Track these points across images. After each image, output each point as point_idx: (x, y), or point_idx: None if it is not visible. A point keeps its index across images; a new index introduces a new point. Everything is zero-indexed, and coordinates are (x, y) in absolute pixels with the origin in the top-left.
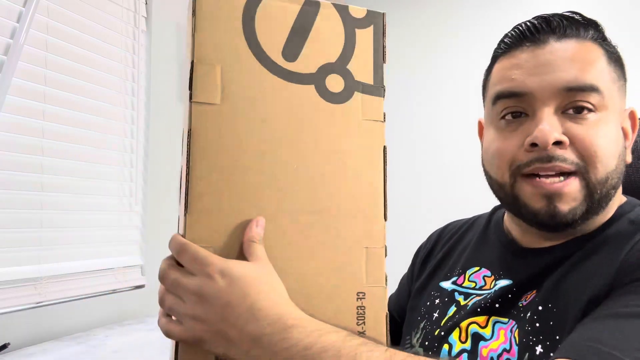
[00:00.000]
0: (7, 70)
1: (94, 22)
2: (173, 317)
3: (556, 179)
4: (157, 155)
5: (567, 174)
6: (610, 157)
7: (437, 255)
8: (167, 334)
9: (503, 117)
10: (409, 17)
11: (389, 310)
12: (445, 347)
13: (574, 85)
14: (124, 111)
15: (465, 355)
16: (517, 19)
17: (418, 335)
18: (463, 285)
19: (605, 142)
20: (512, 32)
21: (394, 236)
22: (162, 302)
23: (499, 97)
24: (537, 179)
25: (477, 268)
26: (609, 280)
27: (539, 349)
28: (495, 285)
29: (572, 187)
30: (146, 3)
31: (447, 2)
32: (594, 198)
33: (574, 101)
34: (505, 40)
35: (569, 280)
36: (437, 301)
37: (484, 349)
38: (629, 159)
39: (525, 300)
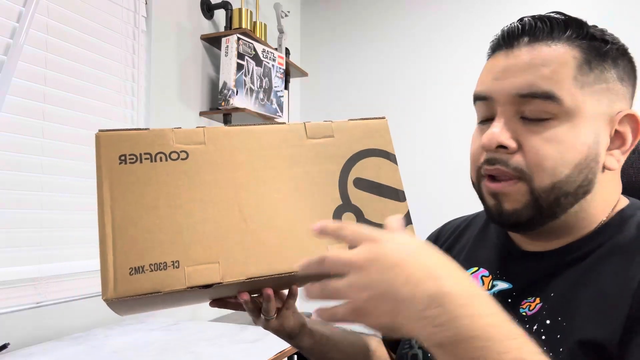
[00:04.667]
0: (7, 70)
1: (94, 22)
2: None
3: (501, 180)
4: None
5: (511, 178)
6: (559, 166)
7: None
8: (331, 318)
9: (480, 120)
10: (411, 18)
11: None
12: None
13: (526, 92)
14: (124, 111)
15: None
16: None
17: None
18: None
19: (556, 150)
20: (495, 36)
21: None
22: (317, 293)
23: (474, 99)
24: (488, 178)
25: (476, 268)
26: (628, 300)
27: None
28: (493, 286)
29: (514, 189)
30: (146, 3)
31: (449, 2)
32: (541, 204)
33: (529, 108)
34: (490, 43)
35: (581, 294)
36: None
37: None
38: (610, 164)
39: (530, 310)
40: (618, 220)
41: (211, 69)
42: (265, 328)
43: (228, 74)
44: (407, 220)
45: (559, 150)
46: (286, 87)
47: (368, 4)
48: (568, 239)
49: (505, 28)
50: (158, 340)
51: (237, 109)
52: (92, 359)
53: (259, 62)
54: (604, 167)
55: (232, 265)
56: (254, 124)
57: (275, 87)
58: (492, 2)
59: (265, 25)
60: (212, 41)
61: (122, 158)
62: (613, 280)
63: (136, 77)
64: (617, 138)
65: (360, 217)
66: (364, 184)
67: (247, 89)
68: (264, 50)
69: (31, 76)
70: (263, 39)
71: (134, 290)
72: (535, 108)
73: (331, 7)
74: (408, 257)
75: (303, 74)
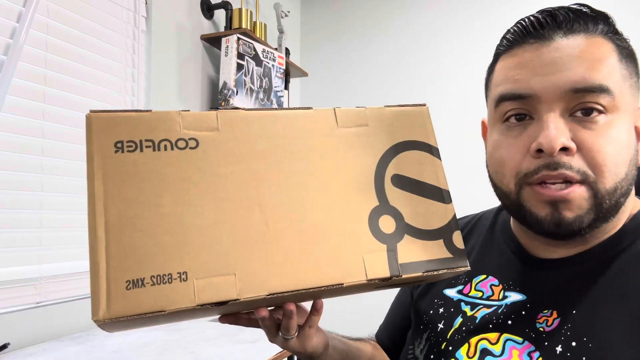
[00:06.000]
0: (7, 70)
1: (94, 22)
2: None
3: (562, 186)
4: None
5: (574, 182)
6: (620, 165)
7: None
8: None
9: (507, 120)
10: (411, 17)
11: (376, 337)
12: None
13: (582, 85)
14: None
15: None
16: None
17: (422, 347)
18: (469, 294)
19: (616, 149)
20: (515, 28)
21: None
22: None
23: (502, 99)
24: (543, 185)
25: (484, 276)
26: None
27: None
28: (505, 297)
29: (578, 194)
30: (146, 3)
31: (449, 1)
32: (602, 208)
33: (582, 103)
34: (507, 36)
35: (608, 310)
36: (441, 310)
37: None
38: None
39: (547, 325)
40: (636, 224)
41: (211, 69)
42: (284, 347)
43: (228, 74)
44: (453, 226)
45: (617, 147)
46: (286, 87)
47: (368, 4)
48: (588, 244)
49: (529, 20)
50: (158, 340)
51: (237, 109)
52: (92, 359)
53: (259, 62)
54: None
55: (251, 278)
56: (276, 109)
57: (275, 87)
58: (492, 2)
59: (265, 25)
60: (212, 41)
61: (119, 145)
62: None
63: (136, 77)
64: (636, 134)
65: (400, 221)
66: (403, 182)
67: (247, 89)
68: (264, 50)
69: (31, 76)
70: (263, 39)
71: (132, 309)
72: (592, 102)
73: (331, 7)
74: None
75: (303, 74)
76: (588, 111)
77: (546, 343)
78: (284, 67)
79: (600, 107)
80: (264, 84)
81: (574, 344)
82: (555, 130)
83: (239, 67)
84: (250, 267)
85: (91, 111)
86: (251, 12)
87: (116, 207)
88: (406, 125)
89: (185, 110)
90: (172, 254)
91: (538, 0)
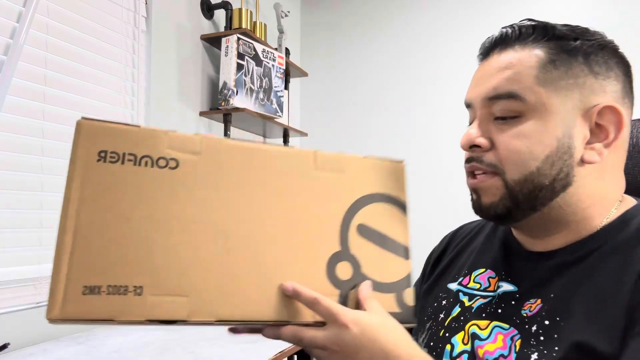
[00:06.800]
0: (7, 70)
1: (94, 22)
2: None
3: (479, 176)
4: None
5: (486, 173)
6: (528, 160)
7: (448, 256)
8: None
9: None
10: (411, 17)
11: None
12: (448, 347)
13: (492, 94)
14: (124, 111)
15: (465, 355)
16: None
17: (424, 336)
18: (468, 286)
19: (524, 145)
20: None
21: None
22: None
23: (465, 107)
24: (471, 175)
25: (483, 270)
26: (625, 302)
27: (534, 356)
28: (498, 287)
29: (490, 184)
30: (146, 3)
31: (449, 1)
32: (516, 196)
33: (497, 109)
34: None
35: (578, 295)
36: (444, 302)
37: (480, 349)
38: (590, 157)
39: (530, 311)
40: (620, 220)
41: (211, 69)
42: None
43: (228, 74)
44: (407, 282)
45: (527, 144)
46: (286, 87)
47: (368, 4)
48: (570, 237)
49: (485, 41)
50: (158, 340)
51: (237, 109)
52: (92, 359)
53: (259, 62)
54: (583, 161)
55: (202, 302)
56: (261, 142)
57: (275, 87)
58: (492, 2)
59: (265, 25)
60: (212, 41)
61: (102, 155)
62: (609, 278)
63: (136, 77)
64: (600, 131)
65: (357, 270)
66: (368, 232)
67: (247, 89)
68: (264, 50)
69: (31, 76)
70: (263, 39)
71: (84, 314)
72: (503, 108)
73: (331, 7)
74: (368, 343)
75: (303, 74)
76: (504, 114)
77: (526, 326)
78: (284, 67)
79: (512, 112)
80: (264, 84)
81: (547, 322)
82: (472, 131)
83: (239, 67)
84: (204, 291)
85: (83, 117)
86: (251, 12)
87: (88, 213)
88: (382, 179)
89: (172, 131)
90: (132, 267)
91: (537, 0)
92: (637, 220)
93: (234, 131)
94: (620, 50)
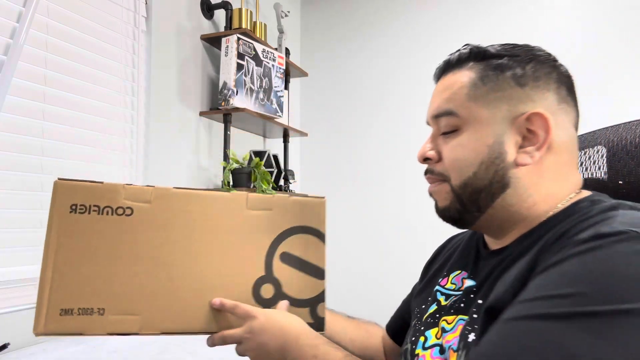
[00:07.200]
0: (7, 70)
1: (94, 22)
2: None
3: (432, 184)
4: (157, 155)
5: (438, 181)
6: (465, 167)
7: (439, 262)
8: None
9: None
10: (411, 17)
11: (386, 327)
12: (422, 339)
13: (436, 113)
14: (124, 111)
15: (437, 348)
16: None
17: (410, 333)
18: (445, 286)
19: (461, 155)
20: None
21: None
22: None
23: None
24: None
25: (459, 271)
26: (531, 264)
27: (471, 336)
28: (464, 285)
29: (439, 189)
30: (146, 3)
31: (449, 2)
32: (462, 200)
33: (442, 125)
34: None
35: (505, 275)
36: (428, 302)
37: (444, 340)
38: (522, 160)
39: (479, 299)
40: (564, 212)
41: (211, 69)
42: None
43: (228, 74)
44: (321, 298)
45: (463, 153)
46: (286, 87)
47: (368, 4)
48: (517, 233)
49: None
50: (158, 340)
51: (237, 109)
52: (92, 359)
53: (259, 62)
54: (517, 164)
55: (150, 319)
56: (202, 189)
57: (275, 87)
58: (492, 2)
59: (265, 25)
60: (212, 41)
61: (73, 207)
62: (528, 262)
63: (136, 77)
64: (533, 136)
65: (278, 290)
66: (289, 259)
67: (247, 89)
68: (264, 50)
69: (31, 76)
70: (263, 39)
71: (61, 329)
72: (445, 124)
73: (331, 7)
74: (270, 326)
75: (303, 74)
76: (446, 129)
77: (475, 315)
78: (284, 67)
79: (452, 126)
80: (264, 84)
81: (480, 301)
82: (425, 145)
83: (239, 67)
84: (152, 310)
85: (59, 179)
86: (251, 12)
87: (63, 254)
88: (304, 213)
89: (129, 184)
90: (97, 294)
91: (536, 0)
92: (580, 209)
93: (234, 131)
94: (554, 60)
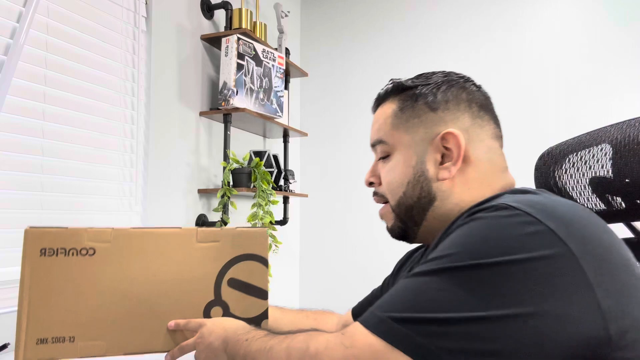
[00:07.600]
0: (7, 70)
1: (94, 22)
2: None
3: (380, 206)
4: (157, 155)
5: (382, 203)
6: (396, 188)
7: (413, 260)
8: None
9: None
10: (411, 18)
11: (352, 310)
12: None
13: (371, 143)
14: (124, 111)
15: None
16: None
17: None
18: None
19: (392, 178)
20: None
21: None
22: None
23: None
24: None
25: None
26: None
27: None
28: None
29: (385, 211)
30: (146, 3)
31: (449, 2)
32: (401, 217)
33: (378, 152)
34: None
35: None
36: None
37: None
38: (442, 175)
39: None
40: (468, 209)
41: (211, 69)
42: None
43: (228, 74)
44: (264, 315)
45: (393, 176)
46: (286, 87)
47: (368, 3)
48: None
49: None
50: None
51: (237, 109)
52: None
53: (259, 62)
54: (438, 179)
55: (114, 343)
56: (156, 227)
57: (275, 87)
58: (492, 3)
59: (265, 25)
60: (212, 41)
61: (43, 251)
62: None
63: (136, 77)
64: (451, 153)
65: (226, 311)
66: (236, 284)
67: (247, 89)
68: (264, 50)
69: (31, 76)
70: (263, 39)
71: (39, 356)
72: (380, 151)
73: (331, 7)
74: (214, 328)
75: (303, 74)
76: (381, 155)
77: None
78: (284, 67)
79: (384, 153)
80: (264, 84)
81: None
82: (370, 170)
83: (239, 67)
84: (116, 336)
85: (29, 227)
86: (251, 12)
87: (36, 292)
88: (248, 243)
89: (91, 227)
90: (67, 325)
91: (536, 0)
92: (481, 204)
93: (234, 131)
94: (465, 81)
